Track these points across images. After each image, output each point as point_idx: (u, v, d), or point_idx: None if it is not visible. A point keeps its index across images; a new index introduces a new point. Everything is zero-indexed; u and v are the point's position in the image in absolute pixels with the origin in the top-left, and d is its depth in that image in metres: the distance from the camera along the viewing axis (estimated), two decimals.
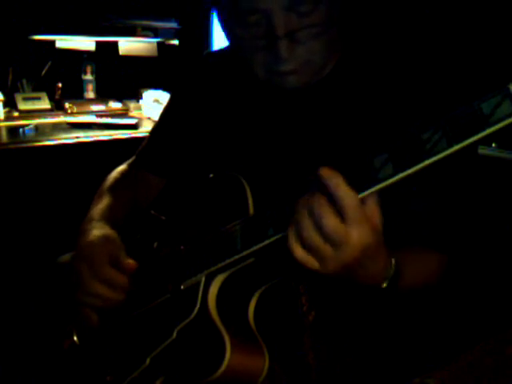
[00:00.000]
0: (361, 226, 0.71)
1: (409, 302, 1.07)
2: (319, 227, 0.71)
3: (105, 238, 1.04)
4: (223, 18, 0.98)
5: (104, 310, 1.05)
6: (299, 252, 0.74)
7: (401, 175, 0.69)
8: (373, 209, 0.73)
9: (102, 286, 1.01)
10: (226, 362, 0.85)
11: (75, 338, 1.11)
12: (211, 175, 1.02)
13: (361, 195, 0.71)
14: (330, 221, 0.70)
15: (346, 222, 0.70)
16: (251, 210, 0.91)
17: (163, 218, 1.16)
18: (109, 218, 1.13)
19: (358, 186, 0.71)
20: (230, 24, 0.96)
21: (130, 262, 1.02)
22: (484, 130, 0.62)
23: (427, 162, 0.67)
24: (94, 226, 1.09)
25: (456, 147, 0.65)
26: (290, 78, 0.96)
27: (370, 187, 0.71)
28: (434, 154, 0.66)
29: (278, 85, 0.98)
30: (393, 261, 0.83)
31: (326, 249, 0.72)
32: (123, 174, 1.29)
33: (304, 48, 0.92)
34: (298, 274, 0.90)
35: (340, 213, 0.70)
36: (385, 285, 0.83)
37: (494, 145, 1.76)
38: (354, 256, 0.72)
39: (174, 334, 0.93)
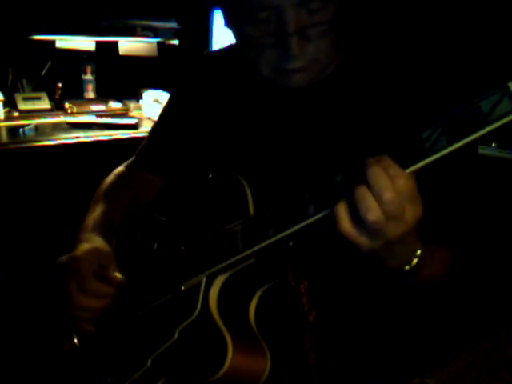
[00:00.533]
0: (415, 200, 0.72)
1: (410, 300, 1.07)
2: (381, 200, 0.69)
3: (93, 251, 1.04)
4: (230, 15, 0.98)
5: (97, 319, 1.04)
6: (347, 226, 0.73)
7: None
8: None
9: (89, 299, 1.00)
10: (227, 363, 0.85)
11: (75, 340, 1.11)
12: (210, 175, 1.02)
13: None
14: (392, 194, 0.69)
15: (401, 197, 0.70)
16: (251, 211, 0.91)
17: (163, 218, 1.16)
18: (103, 225, 1.12)
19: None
20: (237, 21, 0.96)
21: (117, 275, 1.01)
22: (483, 128, 0.62)
23: (427, 161, 0.67)
24: (85, 238, 1.08)
25: (456, 145, 0.65)
26: (295, 76, 0.96)
27: None
28: (434, 153, 0.66)
29: (283, 83, 0.98)
30: (420, 243, 0.82)
31: (383, 223, 0.71)
32: (120, 175, 1.29)
33: (313, 46, 0.93)
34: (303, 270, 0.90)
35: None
36: (407, 267, 0.82)
37: (494, 145, 1.76)
38: (404, 231, 0.72)
39: (176, 335, 0.93)
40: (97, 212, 1.17)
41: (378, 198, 0.69)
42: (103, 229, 1.11)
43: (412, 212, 0.72)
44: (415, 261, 0.82)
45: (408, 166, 0.69)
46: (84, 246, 1.05)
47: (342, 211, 0.73)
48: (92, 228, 1.11)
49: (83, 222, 1.15)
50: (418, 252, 0.82)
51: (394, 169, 0.70)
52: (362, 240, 0.73)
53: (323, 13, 0.90)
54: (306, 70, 0.95)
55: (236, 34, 1.00)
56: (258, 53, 0.96)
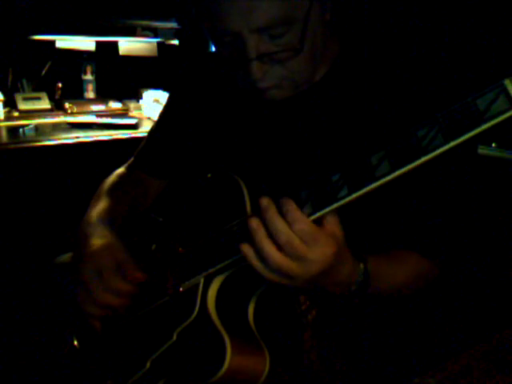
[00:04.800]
0: (318, 241, 0.75)
1: (408, 302, 1.07)
2: (279, 244, 0.75)
3: (110, 246, 1.02)
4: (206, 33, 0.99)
5: (109, 317, 1.03)
6: (265, 271, 0.78)
7: (398, 172, 0.69)
8: (332, 226, 0.77)
9: (112, 297, 0.98)
10: (226, 364, 0.85)
11: (75, 342, 1.11)
12: (209, 175, 1.02)
13: (360, 192, 0.71)
14: (287, 237, 0.74)
15: (306, 243, 0.74)
16: (249, 210, 0.91)
17: (161, 219, 1.16)
18: (108, 221, 1.11)
19: (356, 183, 0.71)
20: (211, 40, 0.97)
21: (139, 274, 1.00)
22: (480, 125, 0.62)
23: (424, 159, 0.67)
24: (95, 231, 1.06)
25: (452, 143, 0.64)
26: (270, 92, 0.96)
27: (368, 184, 0.71)
28: (431, 151, 0.66)
29: (259, 97, 0.99)
30: (361, 265, 0.85)
31: (290, 265, 0.75)
32: (121, 176, 1.28)
33: (280, 67, 0.93)
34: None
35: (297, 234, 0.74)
36: (354, 287, 0.86)
37: (493, 145, 1.75)
38: (318, 270, 0.76)
39: (174, 337, 0.93)
40: (100, 206, 1.16)
41: (276, 242, 0.74)
42: (109, 223, 1.10)
43: (319, 252, 0.75)
44: (354, 287, 0.86)
45: (405, 165, 0.68)
46: (99, 241, 1.03)
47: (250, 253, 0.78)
48: (99, 222, 1.09)
49: (85, 215, 1.13)
50: (355, 278, 0.85)
51: (293, 214, 0.74)
52: (274, 277, 0.78)
53: (287, 37, 0.89)
54: (278, 87, 0.96)
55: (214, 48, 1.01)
56: (230, 70, 0.98)
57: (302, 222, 0.74)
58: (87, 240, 1.04)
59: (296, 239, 0.74)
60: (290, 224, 0.74)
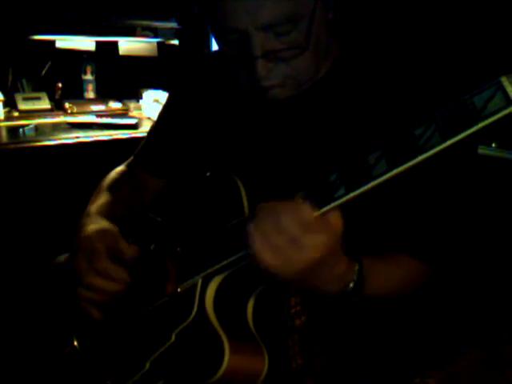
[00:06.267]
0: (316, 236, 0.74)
1: (406, 302, 1.07)
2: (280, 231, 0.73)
3: (102, 231, 1.04)
4: (210, 31, 0.99)
5: (104, 305, 1.04)
6: (266, 254, 0.75)
7: (395, 171, 0.68)
8: (333, 220, 0.75)
9: (100, 279, 0.99)
10: (225, 364, 0.85)
11: (75, 343, 1.11)
12: (208, 174, 1.02)
13: (357, 192, 0.71)
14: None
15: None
16: (246, 211, 0.91)
17: (159, 219, 1.16)
18: (107, 213, 1.12)
19: (353, 182, 0.71)
20: (215, 38, 0.97)
21: (131, 248, 1.01)
22: (477, 123, 0.62)
23: (421, 158, 0.66)
24: (91, 220, 1.08)
25: (449, 142, 0.64)
26: (273, 91, 0.96)
27: (365, 184, 0.70)
28: (428, 150, 0.65)
29: (261, 96, 0.98)
30: (356, 267, 0.84)
31: (287, 249, 0.73)
32: (122, 174, 1.29)
33: (285, 66, 0.93)
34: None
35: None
36: (351, 285, 0.84)
37: (494, 145, 1.76)
38: (310, 257, 0.74)
39: (173, 337, 0.93)
40: (100, 201, 1.17)
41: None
42: (108, 215, 1.11)
43: (314, 238, 0.73)
44: (347, 289, 0.84)
45: (403, 164, 0.68)
46: (91, 227, 1.05)
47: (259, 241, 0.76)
48: (97, 213, 1.12)
49: (86, 209, 1.15)
50: (349, 279, 0.84)
51: (294, 204, 0.73)
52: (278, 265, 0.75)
53: (293, 34, 0.89)
54: (282, 85, 0.95)
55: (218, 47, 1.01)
56: (234, 69, 0.98)
57: (302, 208, 0.73)
58: (82, 228, 1.07)
59: (292, 224, 0.73)
60: (290, 211, 0.73)
